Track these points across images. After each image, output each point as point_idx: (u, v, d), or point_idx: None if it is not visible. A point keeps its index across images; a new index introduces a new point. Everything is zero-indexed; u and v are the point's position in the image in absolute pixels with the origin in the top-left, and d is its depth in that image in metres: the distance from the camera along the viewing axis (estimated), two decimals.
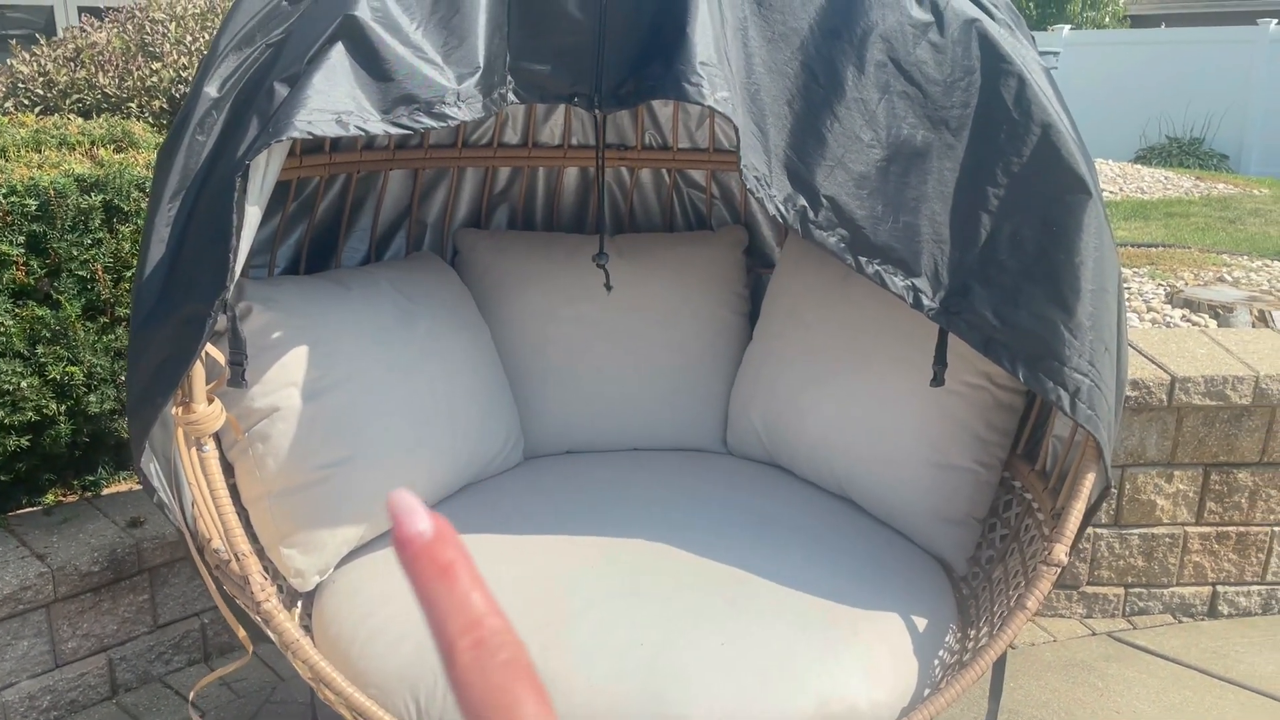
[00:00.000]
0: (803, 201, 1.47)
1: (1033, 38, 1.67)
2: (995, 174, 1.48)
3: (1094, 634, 2.56)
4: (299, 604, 1.75)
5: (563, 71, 1.45)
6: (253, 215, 1.32)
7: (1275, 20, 12.56)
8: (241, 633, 1.58)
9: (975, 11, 1.50)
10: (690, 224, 2.55)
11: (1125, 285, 3.88)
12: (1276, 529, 2.59)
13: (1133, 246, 4.78)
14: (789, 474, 2.11)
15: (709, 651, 1.45)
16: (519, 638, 0.35)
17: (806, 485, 2.05)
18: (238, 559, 1.39)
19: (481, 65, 1.37)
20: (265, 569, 1.70)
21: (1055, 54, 9.80)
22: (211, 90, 1.40)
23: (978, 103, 1.48)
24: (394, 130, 1.31)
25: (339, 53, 1.30)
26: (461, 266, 2.25)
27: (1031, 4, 15.22)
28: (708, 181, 2.49)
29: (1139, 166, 8.17)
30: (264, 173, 1.31)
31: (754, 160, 1.43)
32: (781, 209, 1.45)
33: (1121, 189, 6.86)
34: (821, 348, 2.04)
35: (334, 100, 1.28)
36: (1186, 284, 3.91)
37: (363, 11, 1.30)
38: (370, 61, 1.31)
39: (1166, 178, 7.42)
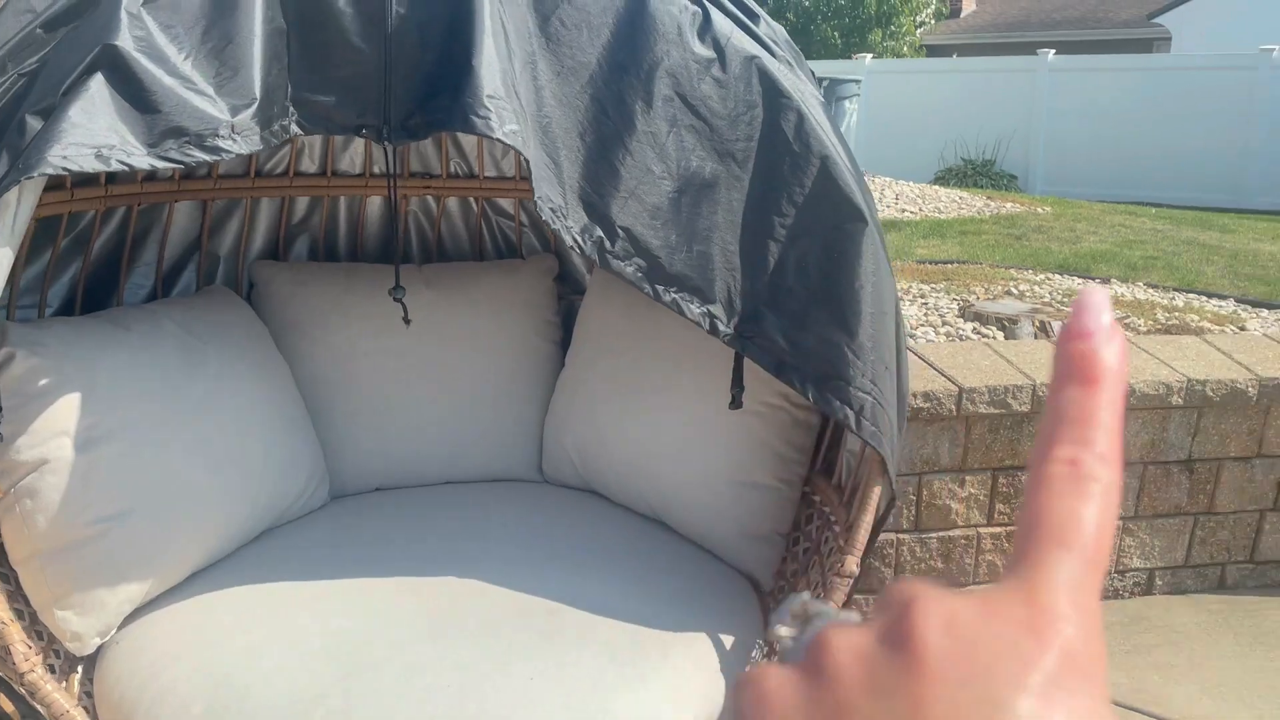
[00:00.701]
0: (599, 232, 1.49)
1: (812, 73, 1.75)
2: (780, 204, 1.54)
3: None
4: (79, 670, 1.62)
5: (348, 103, 1.42)
6: (4, 256, 1.23)
7: (1053, 51, 13.67)
8: (10, 707, 1.45)
9: (755, 49, 1.56)
10: (500, 252, 2.54)
11: (924, 301, 4.11)
12: None
13: (930, 264, 5.08)
14: (604, 499, 2.13)
15: (517, 687, 1.44)
16: (1118, 483, 0.32)
17: (621, 510, 2.07)
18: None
19: (259, 97, 1.33)
20: (39, 634, 1.58)
21: (858, 81, 10.35)
22: None
23: (761, 136, 1.54)
24: (161, 164, 1.24)
25: (98, 83, 1.23)
26: (259, 301, 2.16)
27: (836, 34, 16.02)
28: (516, 209, 2.49)
29: (937, 188, 8.70)
30: (15, 211, 1.22)
31: (549, 192, 1.44)
32: (578, 239, 1.47)
33: (921, 209, 7.29)
34: (631, 373, 2.07)
35: (93, 134, 1.21)
36: (978, 298, 4.18)
37: (124, 40, 1.24)
38: (134, 93, 1.24)
39: (961, 198, 7.94)
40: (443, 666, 1.48)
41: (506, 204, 2.49)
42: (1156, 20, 18.26)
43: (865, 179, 1.69)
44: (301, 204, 2.31)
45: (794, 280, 1.53)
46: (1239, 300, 4.44)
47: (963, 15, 20.96)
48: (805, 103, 1.57)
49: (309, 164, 2.28)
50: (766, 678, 0.32)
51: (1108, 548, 0.31)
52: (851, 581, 1.55)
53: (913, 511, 2.68)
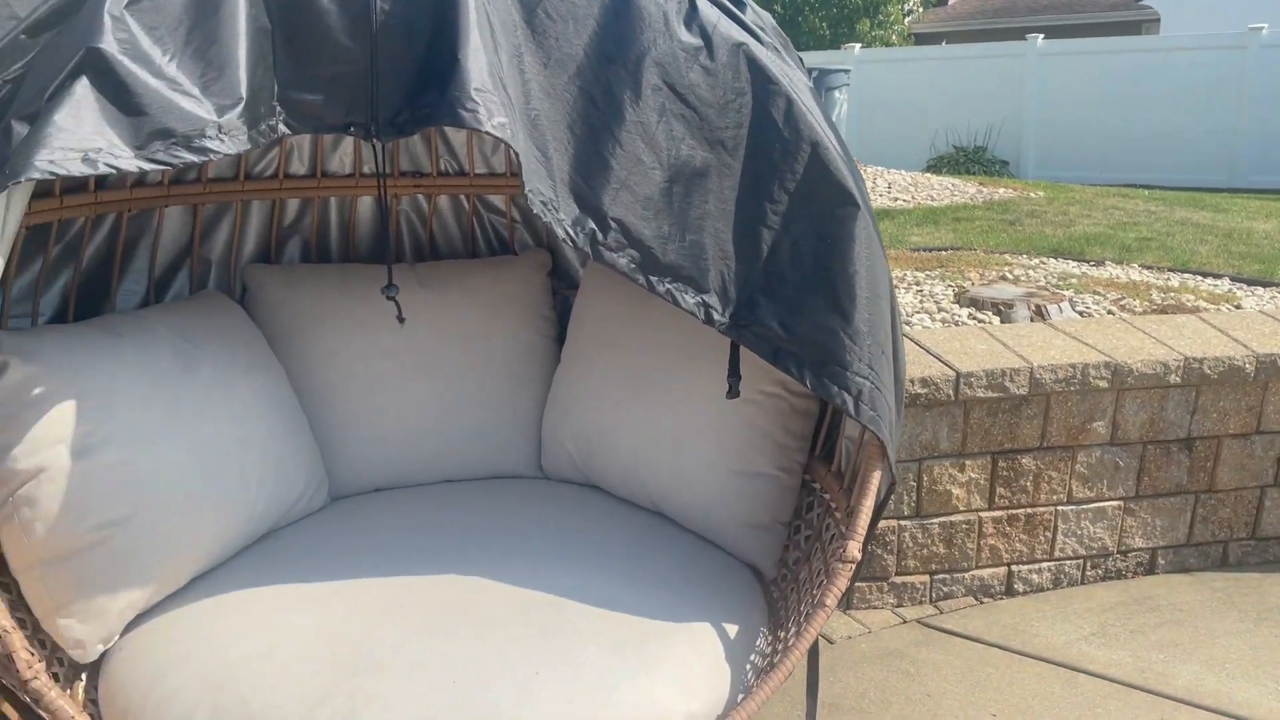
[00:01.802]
0: (591, 224, 1.48)
1: (800, 59, 1.75)
2: (772, 191, 1.54)
3: (905, 622, 2.69)
4: (83, 677, 1.62)
5: (336, 101, 1.42)
6: None
7: (1042, 35, 13.67)
8: (15, 715, 1.45)
9: (742, 35, 1.55)
10: (493, 249, 2.54)
11: (920, 288, 4.11)
12: (1059, 508, 2.80)
13: (924, 251, 5.07)
14: (605, 494, 2.12)
15: (521, 683, 1.44)
16: None
17: (622, 504, 2.07)
18: (0, 636, 1.27)
19: (245, 96, 1.32)
20: (41, 642, 1.57)
21: (847, 71, 10.34)
22: None
23: (750, 123, 1.53)
24: (149, 166, 1.24)
25: (84, 87, 1.22)
26: (252, 304, 2.16)
27: (824, 24, 16.01)
28: (507, 205, 2.48)
29: (929, 175, 8.70)
30: (4, 218, 1.22)
31: (539, 185, 1.43)
32: (570, 232, 1.46)
33: (914, 197, 7.29)
34: (627, 366, 2.06)
35: (80, 138, 1.21)
36: (972, 284, 4.18)
37: (108, 44, 1.23)
38: (119, 95, 1.23)
39: (954, 185, 7.94)
40: (446, 663, 1.48)
41: (498, 200, 2.48)
42: (1144, 2, 18.27)
43: (857, 166, 1.69)
44: (292, 206, 2.31)
45: (788, 267, 1.53)
46: (1234, 279, 4.44)
47: (950, 2, 20.96)
48: (794, 88, 1.56)
49: (299, 166, 2.27)
50: None
51: None
52: (853, 567, 1.55)
53: (913, 497, 2.68)
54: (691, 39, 1.52)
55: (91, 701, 1.59)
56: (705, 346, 1.94)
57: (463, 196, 2.46)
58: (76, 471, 1.55)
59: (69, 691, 1.58)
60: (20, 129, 1.22)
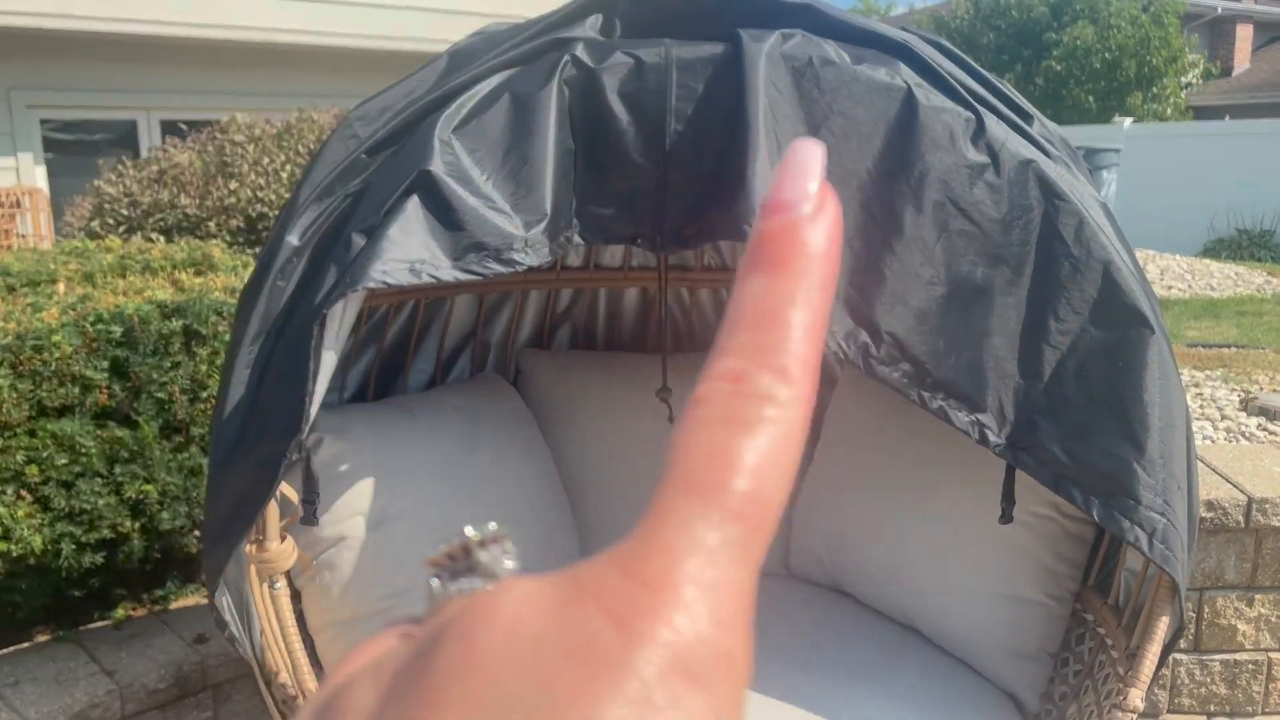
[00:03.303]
0: (865, 337, 1.48)
1: (1089, 173, 1.69)
2: (1058, 309, 1.48)
3: None
4: None
5: (625, 215, 1.50)
6: (329, 359, 1.37)
7: None
8: None
9: (1031, 152, 1.52)
10: None
11: (1199, 390, 3.79)
12: None
13: (1204, 348, 4.68)
14: (852, 600, 2.08)
15: None
16: (804, 406, 0.23)
17: (870, 612, 2.02)
18: (304, 695, 1.40)
19: (549, 213, 1.43)
20: None
21: (1117, 150, 9.79)
22: (293, 239, 1.47)
23: (1037, 240, 1.49)
24: (464, 277, 1.36)
25: (414, 205, 1.36)
26: (524, 386, 2.29)
27: (1091, 98, 15.26)
28: None
29: (1208, 261, 8.05)
30: (340, 319, 1.37)
31: None
32: (843, 345, 1.47)
33: (1190, 285, 6.76)
34: (885, 472, 2.03)
35: (409, 250, 1.34)
36: (1262, 389, 3.81)
37: (437, 166, 1.37)
38: (443, 212, 1.36)
39: (1237, 273, 7.30)
40: None
41: None
42: None
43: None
44: (566, 295, 2.44)
45: (1073, 390, 1.46)
46: None
47: (1235, 74, 19.48)
48: (1084, 204, 1.51)
49: (574, 259, 2.40)
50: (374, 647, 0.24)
51: (776, 498, 0.22)
52: (1134, 716, 1.44)
53: (1191, 630, 2.45)
54: (978, 156, 1.50)
55: None
56: (969, 460, 1.87)
57: (724, 290, 2.52)
58: (371, 543, 1.69)
59: None
60: (359, 240, 1.37)
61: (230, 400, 1.44)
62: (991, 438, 1.48)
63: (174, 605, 2.51)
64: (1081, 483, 1.43)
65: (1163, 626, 1.46)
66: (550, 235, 1.43)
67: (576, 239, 1.49)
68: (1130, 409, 1.44)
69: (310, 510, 1.44)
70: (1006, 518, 1.58)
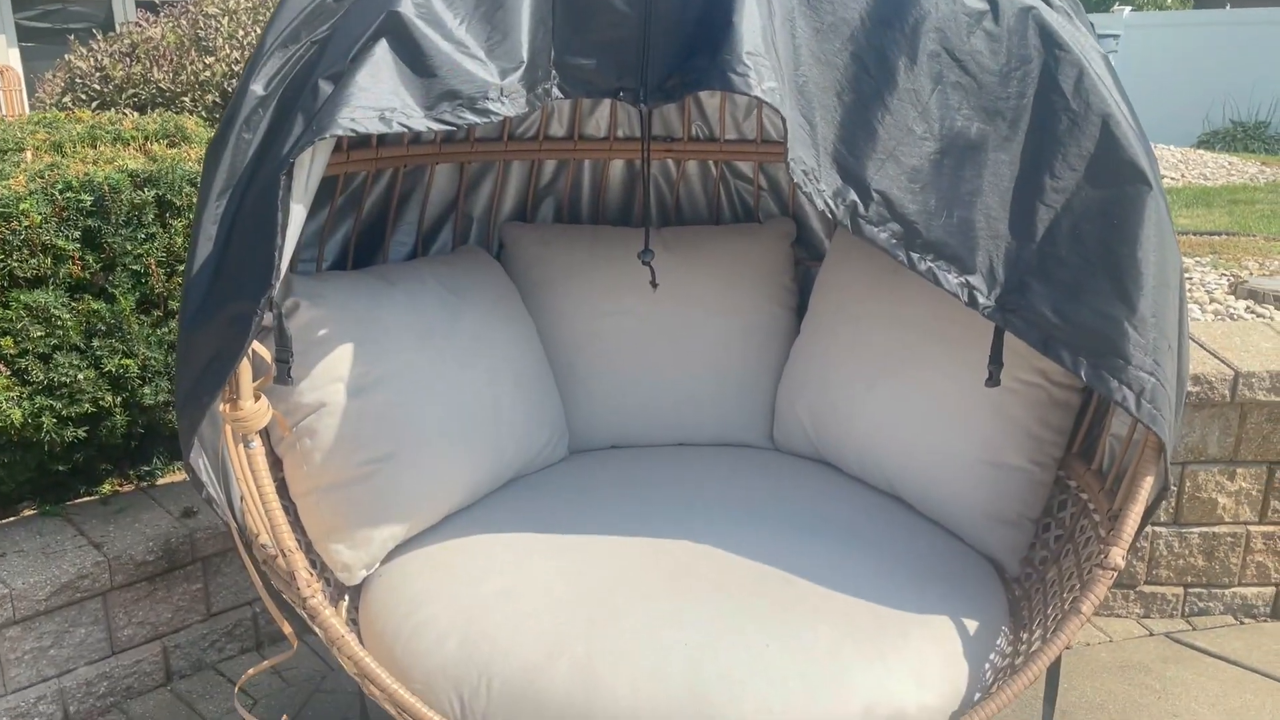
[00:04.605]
0: (853, 196, 1.43)
1: (1091, 24, 1.62)
2: (1054, 166, 1.44)
3: (1151, 635, 2.50)
4: (346, 598, 1.76)
5: (608, 66, 1.43)
6: (298, 213, 1.32)
7: None
8: (287, 627, 1.59)
9: None
10: (737, 216, 2.52)
11: (1187, 275, 3.77)
12: None
13: (1195, 235, 4.64)
14: (836, 471, 2.08)
15: (754, 653, 1.43)
16: None
17: (854, 483, 2.02)
18: (284, 554, 1.40)
19: (525, 60, 1.36)
20: (312, 563, 1.72)
21: (1115, 36, 9.56)
22: (258, 88, 1.40)
23: (1035, 93, 1.43)
24: (437, 126, 1.30)
25: (383, 49, 1.29)
26: (507, 260, 2.25)
27: None
28: (755, 173, 2.46)
29: (1201, 151, 7.95)
30: (309, 170, 1.31)
31: (802, 154, 1.40)
32: (830, 204, 1.42)
33: (1184, 175, 6.68)
34: (871, 343, 2.01)
35: (378, 97, 1.28)
36: (1251, 274, 3.79)
37: (406, 8, 1.30)
38: (414, 58, 1.30)
39: (1230, 163, 7.21)
40: (679, 624, 1.50)
41: (745, 167, 2.46)
42: None
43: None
44: (549, 167, 2.38)
45: (1066, 249, 1.42)
46: None
47: None
48: (1086, 56, 1.45)
49: (558, 128, 2.33)
50: None
51: None
52: (1115, 575, 1.44)
53: (1172, 503, 2.48)
54: (976, 3, 1.43)
55: (352, 621, 1.73)
56: (956, 326, 1.85)
57: (711, 162, 2.46)
58: (352, 408, 1.67)
59: (334, 611, 1.72)
60: (326, 87, 1.30)
61: (199, 258, 1.40)
62: (981, 300, 1.45)
63: (161, 481, 2.51)
64: (1071, 343, 1.41)
65: (1146, 486, 1.46)
66: (528, 85, 1.37)
67: (556, 92, 1.42)
68: (1124, 267, 1.40)
69: (284, 369, 1.41)
70: (994, 381, 1.57)
